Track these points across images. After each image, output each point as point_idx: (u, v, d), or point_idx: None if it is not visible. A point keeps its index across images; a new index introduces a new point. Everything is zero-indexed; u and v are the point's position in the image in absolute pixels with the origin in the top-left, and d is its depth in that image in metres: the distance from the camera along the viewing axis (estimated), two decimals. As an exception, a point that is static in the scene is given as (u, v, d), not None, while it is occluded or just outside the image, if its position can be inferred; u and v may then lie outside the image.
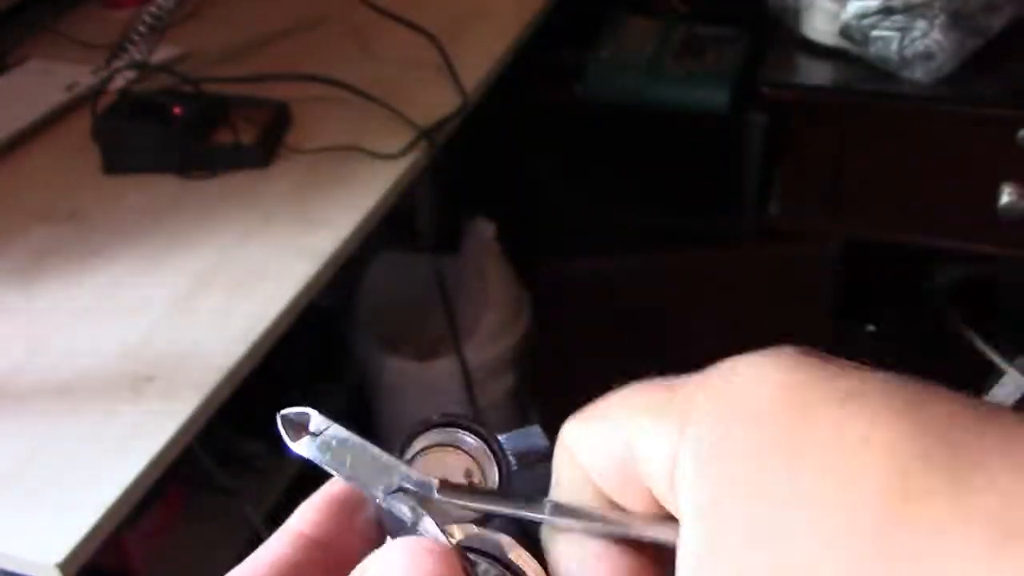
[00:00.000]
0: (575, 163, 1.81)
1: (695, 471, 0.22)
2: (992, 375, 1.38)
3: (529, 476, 0.30)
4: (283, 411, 0.27)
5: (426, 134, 1.30)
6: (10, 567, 0.85)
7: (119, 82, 1.37)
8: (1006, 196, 1.41)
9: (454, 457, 0.29)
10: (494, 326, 1.65)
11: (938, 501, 0.19)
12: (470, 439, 0.29)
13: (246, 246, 1.15)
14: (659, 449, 0.23)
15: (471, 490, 0.28)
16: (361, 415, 1.68)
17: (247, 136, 1.26)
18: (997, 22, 1.41)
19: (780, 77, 1.51)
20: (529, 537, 0.27)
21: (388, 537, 0.28)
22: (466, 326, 1.60)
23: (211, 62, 1.45)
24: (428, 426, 0.29)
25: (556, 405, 0.34)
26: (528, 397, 1.74)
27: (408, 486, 0.27)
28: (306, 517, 0.28)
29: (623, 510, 0.25)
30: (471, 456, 0.29)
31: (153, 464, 0.91)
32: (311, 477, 0.29)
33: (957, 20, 1.38)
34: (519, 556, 0.26)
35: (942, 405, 0.20)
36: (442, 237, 1.76)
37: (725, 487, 0.21)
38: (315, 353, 1.64)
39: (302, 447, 0.27)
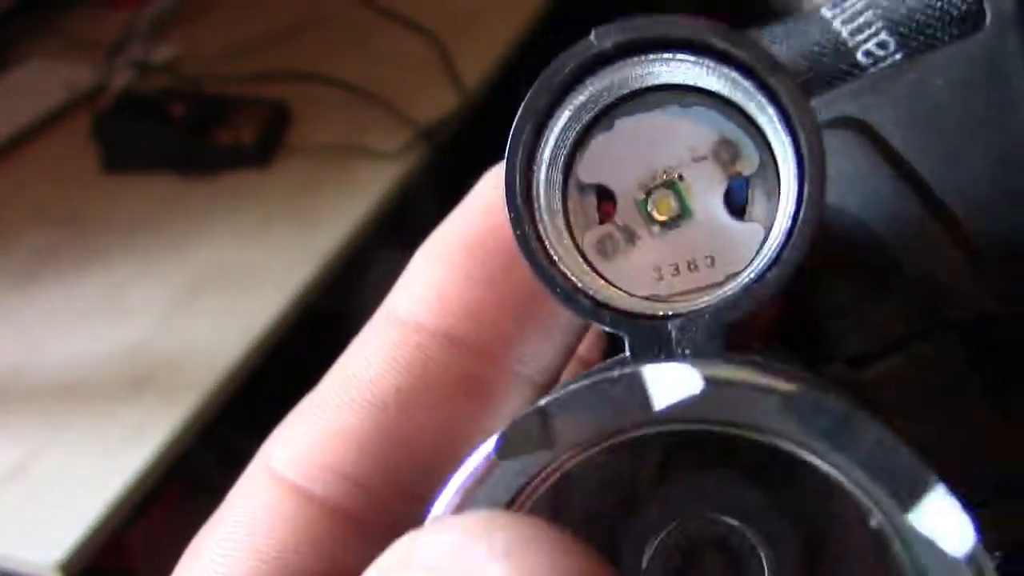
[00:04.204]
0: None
1: None
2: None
3: None
4: None
5: (426, 134, 1.30)
6: (10, 567, 0.85)
7: (119, 82, 1.37)
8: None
9: (688, 124, 0.14)
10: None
11: None
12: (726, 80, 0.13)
13: (246, 246, 1.15)
14: None
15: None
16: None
17: (247, 136, 1.26)
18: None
19: (780, 77, 1.51)
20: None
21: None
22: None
23: (211, 62, 1.45)
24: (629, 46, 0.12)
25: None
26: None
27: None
28: (444, 304, 0.15)
29: None
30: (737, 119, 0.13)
31: (153, 464, 0.91)
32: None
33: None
34: None
35: None
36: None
37: None
38: (315, 354, 1.64)
39: None
